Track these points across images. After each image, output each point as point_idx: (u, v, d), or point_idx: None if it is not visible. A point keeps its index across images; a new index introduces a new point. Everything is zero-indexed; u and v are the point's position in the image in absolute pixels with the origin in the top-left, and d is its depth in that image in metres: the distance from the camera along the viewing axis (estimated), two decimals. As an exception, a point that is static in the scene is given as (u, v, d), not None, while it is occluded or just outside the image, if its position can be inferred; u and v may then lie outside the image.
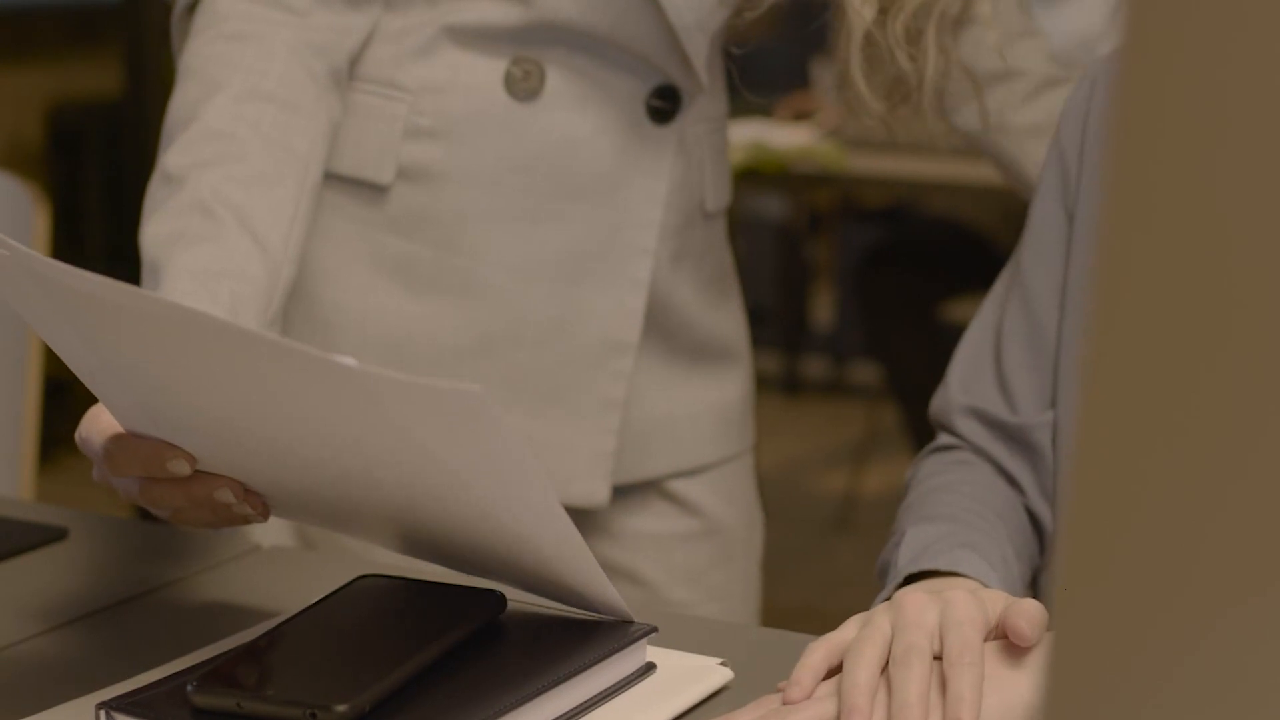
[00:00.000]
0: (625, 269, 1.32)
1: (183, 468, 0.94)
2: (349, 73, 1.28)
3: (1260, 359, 0.37)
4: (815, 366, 5.54)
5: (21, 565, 1.19)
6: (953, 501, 1.10)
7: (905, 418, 3.66)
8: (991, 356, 1.18)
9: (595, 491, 1.34)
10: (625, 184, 1.31)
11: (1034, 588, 1.17)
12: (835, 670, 0.92)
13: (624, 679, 0.95)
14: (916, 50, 1.26)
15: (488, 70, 1.29)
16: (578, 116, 1.29)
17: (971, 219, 3.65)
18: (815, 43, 3.73)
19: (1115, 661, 0.39)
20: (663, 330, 1.37)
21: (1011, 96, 1.37)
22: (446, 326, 1.31)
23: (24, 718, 0.93)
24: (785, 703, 0.90)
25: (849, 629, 0.93)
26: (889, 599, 0.96)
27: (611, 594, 0.96)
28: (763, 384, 1.51)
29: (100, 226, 4.54)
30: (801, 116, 3.74)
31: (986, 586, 0.99)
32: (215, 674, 0.89)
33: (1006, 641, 0.90)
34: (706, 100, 1.36)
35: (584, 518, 1.36)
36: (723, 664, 0.98)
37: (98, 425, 1.00)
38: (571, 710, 0.91)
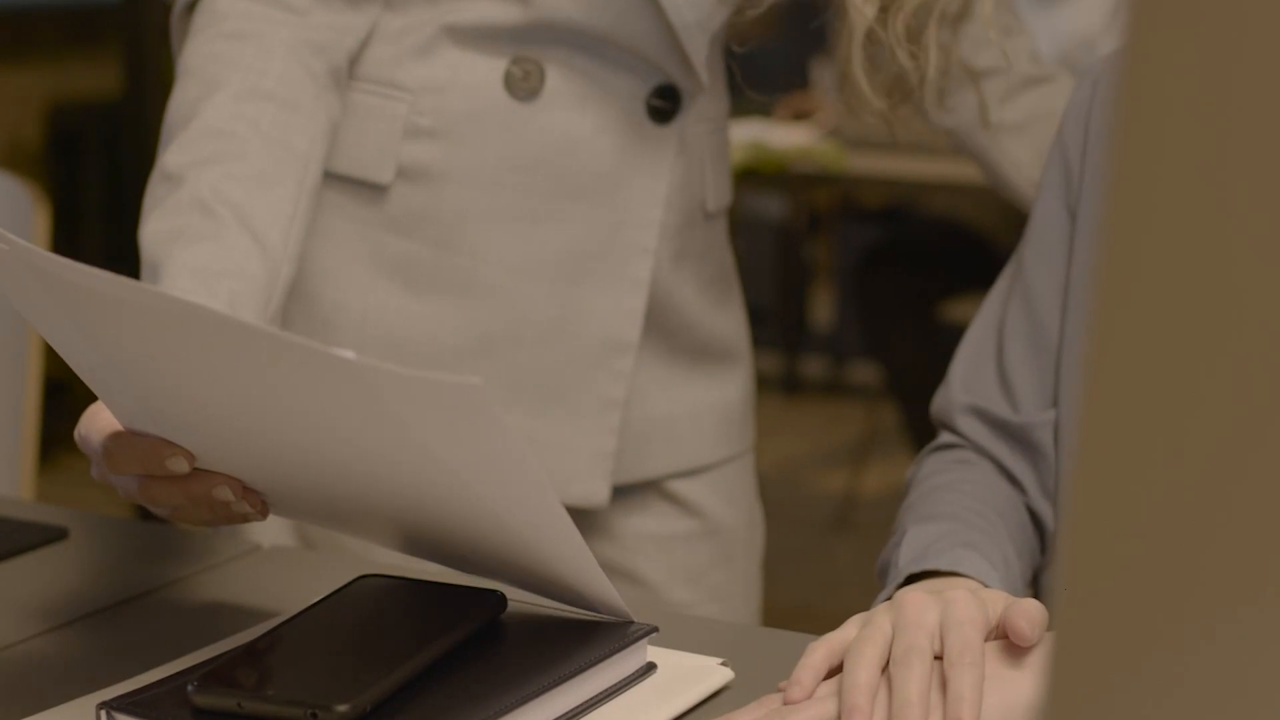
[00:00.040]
0: (625, 269, 1.32)
1: (181, 465, 0.94)
2: (349, 72, 1.28)
3: (1263, 358, 0.37)
4: (814, 366, 5.54)
5: (21, 565, 1.19)
6: (954, 500, 1.10)
7: (904, 417, 3.66)
8: (993, 355, 1.18)
9: (595, 491, 1.34)
10: (625, 184, 1.31)
11: (1035, 587, 1.17)
12: (836, 670, 0.92)
13: (625, 679, 0.95)
14: (917, 48, 1.26)
15: (488, 70, 1.29)
16: (578, 116, 1.29)
17: (971, 219, 3.65)
18: (815, 43, 3.73)
19: (1117, 662, 0.39)
20: (663, 330, 1.37)
21: (991, 94, 1.37)
22: (447, 326, 1.31)
23: (25, 718, 0.93)
24: (786, 702, 0.90)
25: (850, 629, 0.93)
26: (890, 599, 0.96)
27: (611, 594, 0.96)
28: (762, 384, 1.51)
29: (100, 226, 4.53)
30: (801, 116, 3.74)
31: (987, 586, 0.99)
32: (216, 674, 0.89)
33: (1007, 641, 0.90)
34: (707, 100, 1.36)
35: (584, 518, 1.36)
36: (723, 664, 0.98)
37: (96, 423, 1.00)
38: (572, 710, 0.91)
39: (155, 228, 1.15)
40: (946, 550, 1.02)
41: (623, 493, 1.38)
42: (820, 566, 3.89)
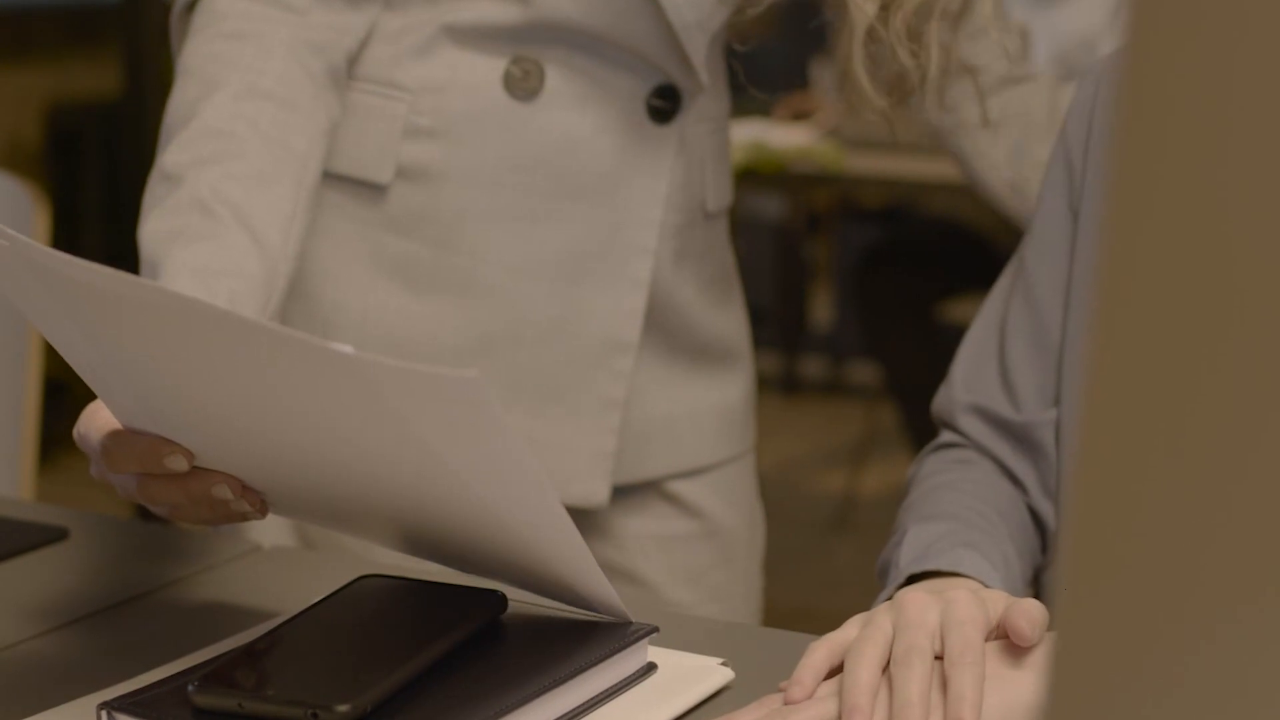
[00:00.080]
0: (625, 268, 1.32)
1: (180, 464, 0.94)
2: (348, 72, 1.28)
3: (1264, 358, 0.37)
4: (814, 366, 5.54)
5: (22, 565, 1.19)
6: (954, 500, 1.10)
7: (904, 417, 3.66)
8: (995, 354, 1.18)
9: (595, 491, 1.34)
10: (625, 183, 1.31)
11: (1036, 586, 1.17)
12: (837, 670, 0.92)
13: (625, 679, 0.95)
14: (918, 47, 1.26)
15: (487, 69, 1.29)
16: (577, 116, 1.29)
17: (970, 219, 3.65)
18: (814, 43, 3.73)
19: (1118, 661, 0.39)
20: (664, 330, 1.37)
21: (968, 92, 1.37)
22: (447, 326, 1.31)
23: (25, 718, 0.93)
24: (787, 702, 0.90)
25: (850, 629, 0.93)
26: (890, 599, 0.96)
27: (610, 593, 0.95)
28: (761, 384, 1.51)
29: (99, 226, 4.54)
30: (800, 116, 3.74)
31: (988, 586, 0.99)
32: (217, 674, 0.89)
33: (1008, 641, 0.90)
34: (708, 100, 1.36)
35: (584, 518, 1.36)
36: (724, 664, 0.98)
37: (95, 421, 1.00)
38: (573, 710, 0.91)
39: (154, 227, 1.15)
40: (947, 550, 1.02)
41: (623, 493, 1.38)
42: (820, 566, 3.89)
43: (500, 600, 0.97)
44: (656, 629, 0.97)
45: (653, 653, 0.98)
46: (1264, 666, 0.38)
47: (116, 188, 4.40)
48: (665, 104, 1.32)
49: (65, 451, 1.29)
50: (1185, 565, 0.38)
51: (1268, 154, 0.36)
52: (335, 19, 1.26)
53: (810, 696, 0.90)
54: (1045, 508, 1.14)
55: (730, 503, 1.44)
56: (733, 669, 0.98)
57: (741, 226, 4.79)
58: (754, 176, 3.30)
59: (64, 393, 2.08)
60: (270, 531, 1.32)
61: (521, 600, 0.99)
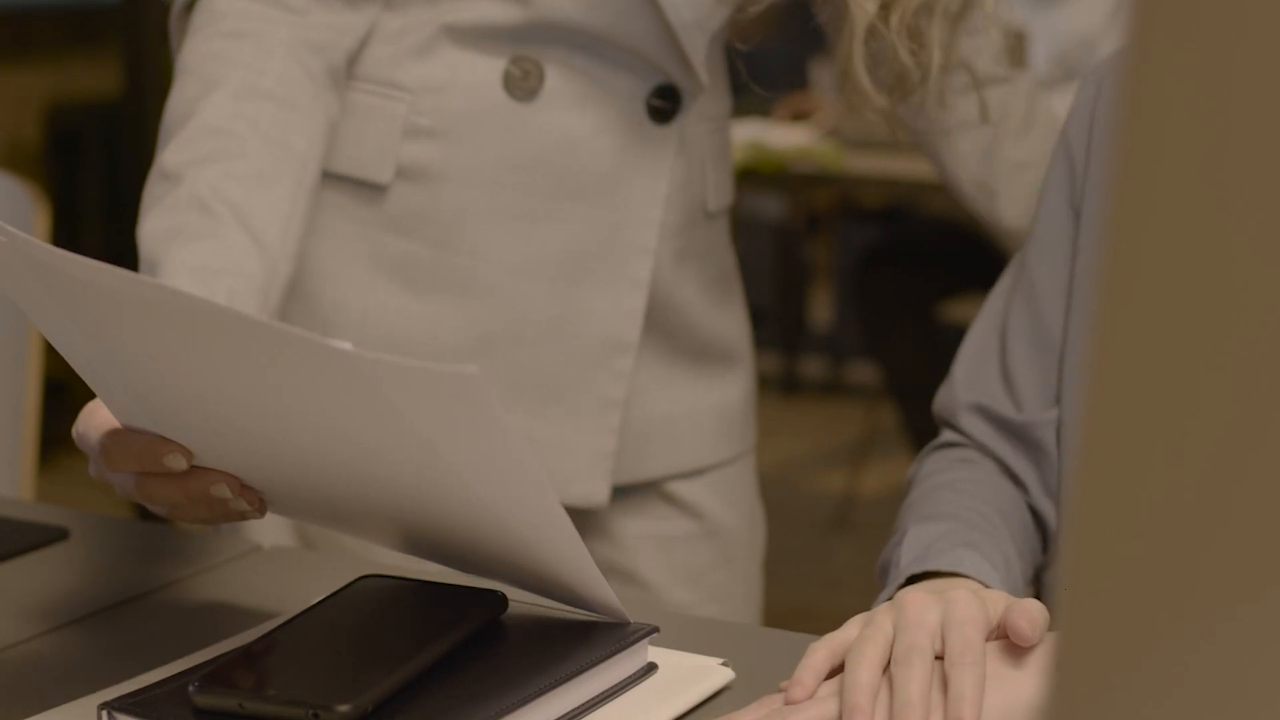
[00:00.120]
0: (625, 269, 1.32)
1: (179, 463, 0.94)
2: (347, 72, 1.28)
3: (1266, 357, 0.37)
4: (813, 366, 5.54)
5: (22, 565, 1.19)
6: (955, 500, 1.10)
7: (904, 418, 3.66)
8: (996, 353, 1.18)
9: (595, 491, 1.34)
10: (625, 183, 1.31)
11: (1037, 586, 1.17)
12: (837, 670, 0.91)
13: (625, 679, 0.95)
14: (919, 46, 1.26)
15: (487, 69, 1.29)
16: (577, 116, 1.29)
17: (970, 219, 3.64)
18: (814, 43, 3.73)
19: (1119, 661, 0.39)
20: (664, 330, 1.37)
21: (956, 89, 1.37)
22: (446, 326, 1.31)
23: (26, 718, 0.93)
24: (787, 702, 0.90)
25: (851, 629, 0.93)
26: (890, 599, 0.96)
27: (608, 594, 0.95)
28: (761, 384, 1.51)
29: (99, 226, 4.54)
30: (800, 116, 3.74)
31: (988, 586, 0.99)
32: (217, 674, 0.89)
33: (1008, 641, 0.90)
34: (708, 100, 1.35)
35: (584, 518, 1.36)
36: (724, 664, 0.98)
37: (94, 420, 0.99)
38: (573, 710, 0.91)
39: (153, 226, 1.15)
40: (947, 550, 1.02)
41: (623, 493, 1.38)
42: (820, 566, 3.89)
43: (500, 600, 0.97)
44: (657, 629, 0.97)
45: (653, 653, 0.98)
46: (1266, 666, 0.38)
47: (116, 188, 4.40)
48: (665, 104, 1.32)
49: (65, 451, 1.29)
50: (1187, 565, 0.38)
51: (1269, 154, 0.36)
52: (335, 19, 1.26)
53: (811, 697, 0.90)
54: (1046, 507, 1.14)
55: (730, 503, 1.44)
56: (733, 669, 0.98)
57: (741, 226, 4.79)
58: (753, 176, 3.30)
59: (64, 393, 2.07)
60: (270, 531, 1.32)
61: (522, 600, 0.98)
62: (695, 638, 1.02)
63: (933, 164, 1.47)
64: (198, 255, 1.12)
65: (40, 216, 1.83)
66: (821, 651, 0.92)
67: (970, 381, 1.19)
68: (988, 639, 0.90)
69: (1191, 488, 0.38)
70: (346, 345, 0.80)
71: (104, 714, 0.90)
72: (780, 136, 3.48)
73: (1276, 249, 0.36)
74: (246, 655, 0.92)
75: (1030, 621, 0.89)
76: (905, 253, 3.80)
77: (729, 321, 1.42)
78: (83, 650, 1.05)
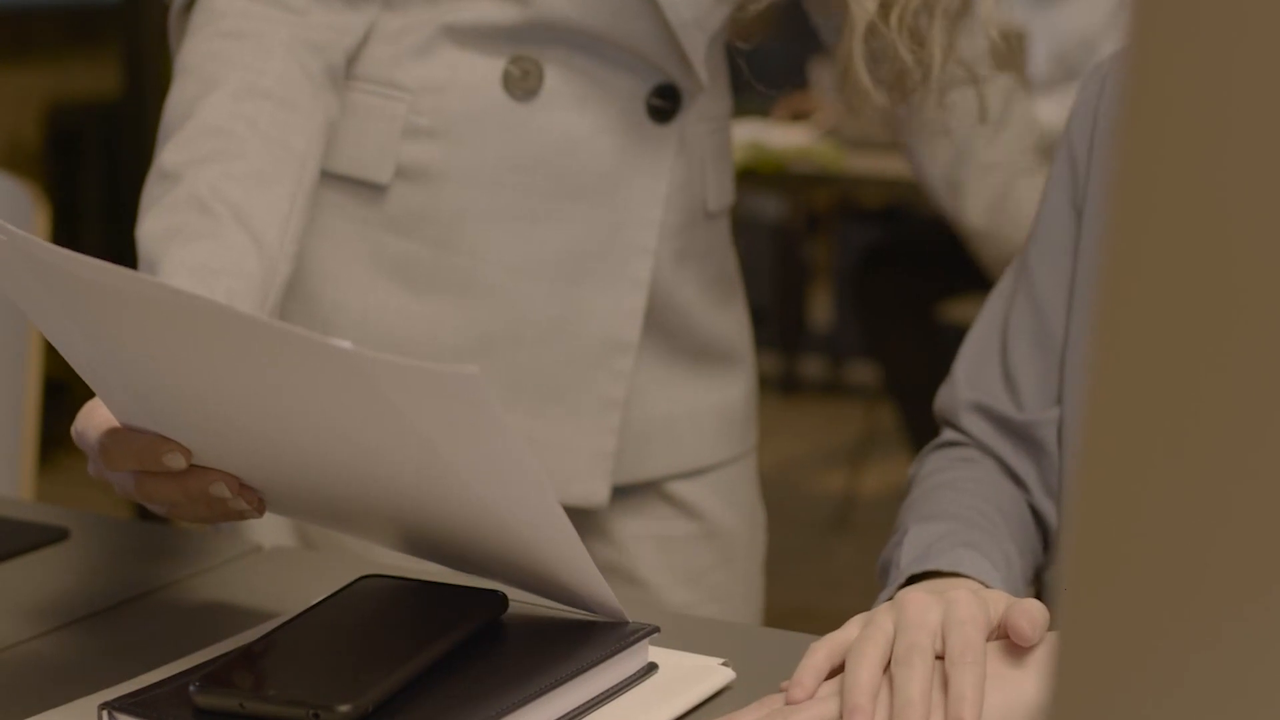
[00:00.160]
0: (625, 268, 1.32)
1: (178, 462, 0.94)
2: (347, 72, 1.28)
3: (1267, 357, 0.37)
4: (813, 367, 5.54)
5: (22, 565, 1.19)
6: (956, 499, 1.10)
7: (903, 418, 3.66)
8: (998, 352, 1.18)
9: (595, 491, 1.34)
10: (625, 183, 1.31)
11: (1037, 585, 1.17)
12: (838, 670, 0.91)
13: (626, 679, 0.95)
14: (919, 45, 1.26)
15: (486, 69, 1.28)
16: (576, 116, 1.29)
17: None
18: (814, 43, 3.72)
19: (1121, 661, 0.39)
20: (665, 330, 1.37)
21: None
22: (446, 326, 1.31)
23: (26, 718, 0.93)
24: (788, 703, 0.90)
25: (851, 629, 0.93)
26: (891, 599, 0.96)
27: (607, 594, 0.95)
28: (760, 384, 1.51)
29: (99, 227, 4.54)
30: (799, 116, 3.74)
31: (988, 586, 0.99)
32: (218, 674, 0.89)
33: (1009, 641, 0.90)
34: (708, 100, 1.35)
35: (584, 518, 1.36)
36: (725, 664, 0.98)
37: (93, 419, 0.99)
38: (574, 710, 0.91)
39: (152, 226, 1.15)
40: (948, 550, 1.02)
41: (623, 494, 1.38)
42: (820, 566, 3.89)
43: (501, 600, 0.97)
44: (657, 629, 0.97)
45: (653, 653, 0.98)
46: (1267, 666, 0.38)
47: (116, 188, 4.40)
48: (665, 103, 1.31)
49: (65, 451, 1.29)
50: (1188, 564, 0.38)
51: (1271, 153, 0.36)
52: (334, 19, 1.26)
53: (811, 696, 0.90)
54: (1047, 507, 1.14)
55: (730, 503, 1.44)
56: (734, 669, 0.98)
57: (740, 227, 4.78)
58: (753, 176, 3.30)
59: (64, 393, 2.07)
60: (270, 531, 1.32)
61: (522, 600, 0.98)
62: (695, 638, 1.02)
63: (908, 160, 1.48)
64: (197, 255, 1.12)
65: (40, 216, 1.83)
66: (822, 651, 0.92)
67: (971, 381, 1.19)
68: (988, 639, 0.90)
69: (1192, 487, 0.38)
70: (347, 344, 0.80)
71: (104, 714, 0.90)
72: (780, 136, 3.48)
73: (1277, 248, 0.36)
74: (247, 655, 0.92)
75: (1031, 621, 0.89)
76: (905, 253, 3.80)
77: (730, 321, 1.42)
78: (83, 650, 1.05)
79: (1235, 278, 0.37)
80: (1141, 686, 0.39)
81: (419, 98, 1.29)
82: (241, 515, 0.98)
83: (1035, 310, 1.16)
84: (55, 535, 1.23)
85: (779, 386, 5.35)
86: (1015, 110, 1.44)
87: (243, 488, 0.96)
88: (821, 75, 3.79)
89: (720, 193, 1.40)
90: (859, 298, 3.76)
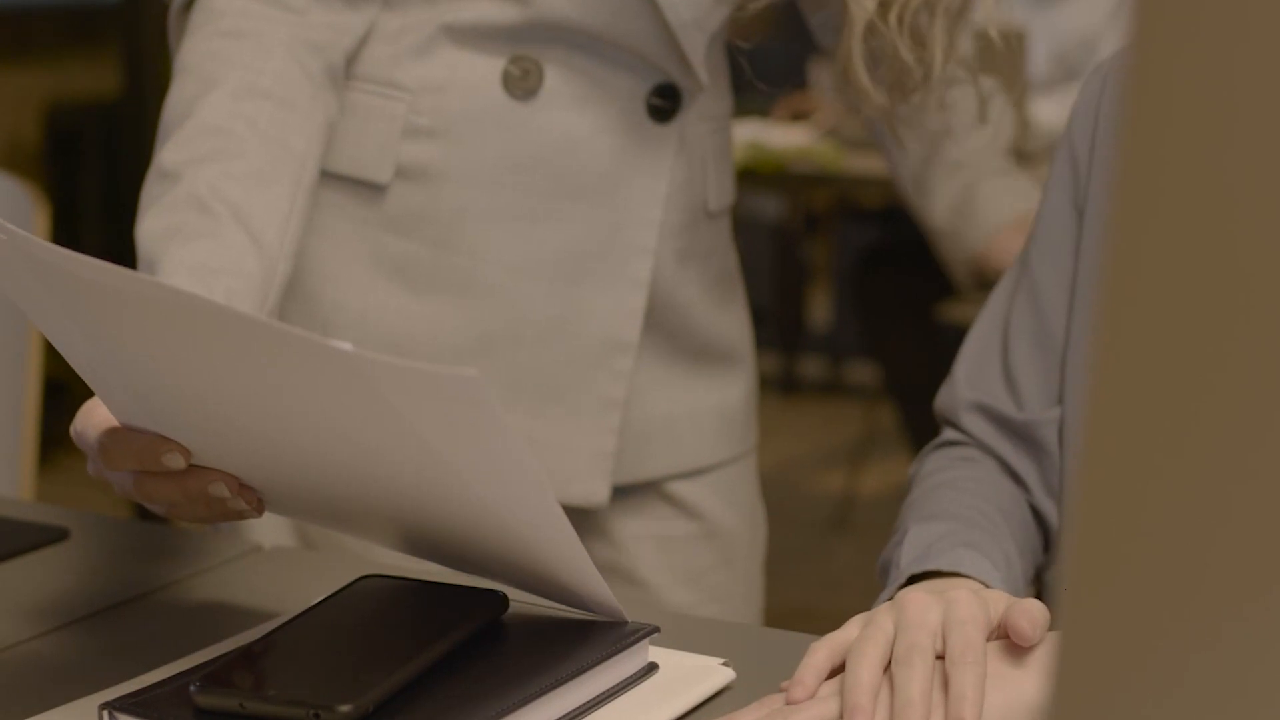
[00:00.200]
0: (625, 268, 1.32)
1: (177, 461, 0.94)
2: (346, 71, 1.28)
3: (1269, 357, 0.37)
4: (812, 367, 5.54)
5: (22, 565, 1.19)
6: (956, 499, 1.10)
7: (903, 417, 3.66)
8: (998, 352, 1.18)
9: (595, 491, 1.34)
10: (625, 183, 1.31)
11: (1038, 585, 1.17)
12: (838, 670, 0.91)
13: (626, 679, 0.95)
14: (920, 45, 1.26)
15: (486, 69, 1.28)
16: (576, 115, 1.29)
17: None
18: (813, 42, 3.73)
19: (1122, 661, 0.39)
20: (665, 330, 1.37)
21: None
22: (446, 326, 1.31)
23: (26, 718, 0.93)
24: (788, 702, 0.90)
25: (851, 629, 0.93)
26: (891, 599, 0.96)
27: (606, 594, 0.95)
28: (760, 384, 1.51)
29: (99, 227, 4.54)
30: (799, 117, 3.74)
31: (989, 586, 0.99)
32: (218, 674, 0.89)
33: (1009, 641, 0.90)
34: (709, 99, 1.35)
35: (584, 518, 1.36)
36: (725, 664, 0.98)
37: (93, 419, 0.99)
38: (574, 710, 0.91)
39: (152, 225, 1.15)
40: (948, 550, 1.02)
41: (623, 494, 1.38)
42: (819, 566, 3.89)
43: (501, 600, 0.97)
44: (658, 629, 0.97)
45: (654, 653, 0.98)
46: (1269, 666, 0.38)
47: (116, 188, 4.40)
48: (665, 103, 1.31)
49: (65, 451, 1.29)
50: (1189, 564, 0.38)
51: (1272, 152, 0.36)
52: (334, 18, 1.26)
53: (812, 696, 0.90)
54: (1047, 507, 1.14)
55: (730, 503, 1.43)
56: (734, 669, 0.98)
57: (740, 227, 4.78)
58: (752, 177, 3.30)
59: (64, 393, 2.07)
60: (270, 531, 1.32)
61: (523, 600, 0.98)
62: (696, 638, 1.02)
63: (883, 156, 1.50)
64: (196, 254, 1.12)
65: (40, 216, 1.83)
66: (822, 651, 0.92)
67: (972, 380, 1.19)
68: (989, 639, 0.90)
69: (1193, 487, 0.38)
70: (346, 346, 0.80)
71: (105, 714, 0.90)
72: (779, 136, 3.48)
73: (1279, 248, 0.36)
74: (247, 655, 0.92)
75: (1031, 621, 0.89)
76: (905, 253, 3.79)
77: (730, 322, 1.42)
78: (83, 650, 1.05)
79: (1237, 277, 0.37)
80: (1142, 686, 0.39)
81: (419, 97, 1.29)
82: (241, 515, 0.98)
83: (1036, 310, 1.16)
84: (55, 535, 1.23)
85: (779, 386, 5.35)
86: (991, 113, 1.45)
87: (242, 487, 0.96)
88: (821, 75, 3.79)
89: (721, 192, 1.40)
90: (858, 298, 3.76)
